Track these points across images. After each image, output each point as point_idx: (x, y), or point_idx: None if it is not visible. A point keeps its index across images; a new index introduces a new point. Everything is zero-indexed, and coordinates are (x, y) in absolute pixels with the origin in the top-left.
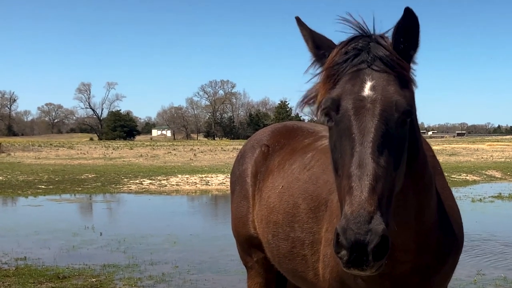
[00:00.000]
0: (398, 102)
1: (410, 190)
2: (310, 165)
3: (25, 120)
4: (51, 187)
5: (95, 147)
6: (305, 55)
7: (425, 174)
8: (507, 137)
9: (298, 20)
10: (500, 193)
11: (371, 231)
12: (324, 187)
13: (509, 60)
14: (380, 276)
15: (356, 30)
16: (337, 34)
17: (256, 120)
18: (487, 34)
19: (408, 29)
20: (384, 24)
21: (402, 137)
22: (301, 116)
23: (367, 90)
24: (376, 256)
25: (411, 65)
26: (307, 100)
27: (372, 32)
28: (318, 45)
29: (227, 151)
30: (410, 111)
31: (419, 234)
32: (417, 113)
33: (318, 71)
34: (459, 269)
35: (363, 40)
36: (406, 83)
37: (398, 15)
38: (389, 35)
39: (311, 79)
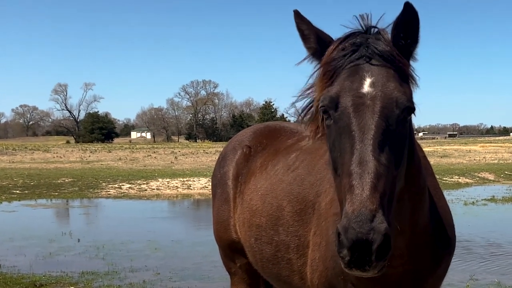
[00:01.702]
0: (398, 99)
1: (405, 193)
2: (295, 166)
3: None
4: (26, 192)
5: (72, 150)
6: (292, 54)
7: (420, 176)
8: (500, 138)
9: (297, 14)
10: (494, 196)
11: (373, 230)
12: (311, 189)
13: (502, 59)
14: (371, 280)
15: (354, 26)
16: (334, 30)
17: (239, 121)
18: (479, 33)
19: (408, 24)
20: (384, 19)
21: (402, 134)
22: (286, 117)
23: (366, 87)
24: (378, 255)
25: (411, 61)
26: (301, 94)
27: (370, 27)
28: (321, 41)
29: (210, 153)
30: (410, 108)
31: (412, 238)
32: None
33: (316, 68)
34: (452, 274)
35: (361, 35)
36: (406, 80)
37: (398, 10)
38: (389, 31)
39: (311, 76)
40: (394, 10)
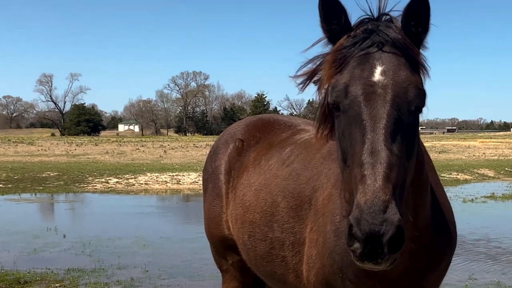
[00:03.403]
0: (410, 88)
1: (410, 187)
2: (289, 160)
3: None
4: (9, 186)
5: (57, 143)
6: (286, 45)
7: (423, 170)
8: (500, 133)
9: None
10: (493, 193)
11: (386, 221)
12: (307, 184)
13: (503, 53)
14: (370, 277)
15: (365, 14)
16: None
17: (231, 114)
18: (479, 27)
19: (418, 12)
20: (395, 7)
21: (414, 124)
22: (279, 110)
23: (377, 75)
24: (391, 248)
25: (421, 50)
26: (306, 76)
27: (382, 14)
28: (348, 24)
29: (200, 147)
30: (422, 97)
31: (413, 234)
32: None
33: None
34: (450, 273)
35: (372, 22)
36: (416, 68)
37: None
38: (398, 18)
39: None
40: None
